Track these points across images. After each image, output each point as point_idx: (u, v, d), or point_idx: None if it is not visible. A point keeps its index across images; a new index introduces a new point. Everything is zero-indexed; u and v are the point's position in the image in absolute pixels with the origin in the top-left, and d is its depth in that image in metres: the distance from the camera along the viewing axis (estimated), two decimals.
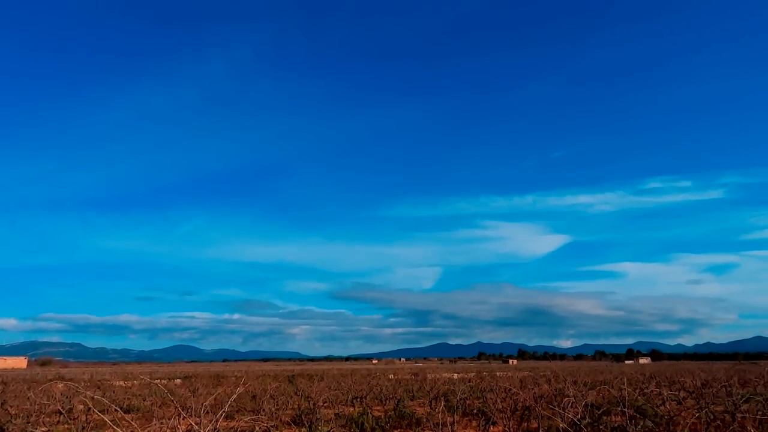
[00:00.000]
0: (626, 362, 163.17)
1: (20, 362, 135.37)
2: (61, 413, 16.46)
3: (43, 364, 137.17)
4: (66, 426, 16.17)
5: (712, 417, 12.74)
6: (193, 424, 7.85)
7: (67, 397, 22.45)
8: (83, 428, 13.81)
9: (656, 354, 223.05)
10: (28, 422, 12.08)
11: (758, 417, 9.60)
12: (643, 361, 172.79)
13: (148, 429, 14.52)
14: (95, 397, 7.91)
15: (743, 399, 13.91)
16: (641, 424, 8.05)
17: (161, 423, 14.20)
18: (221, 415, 5.39)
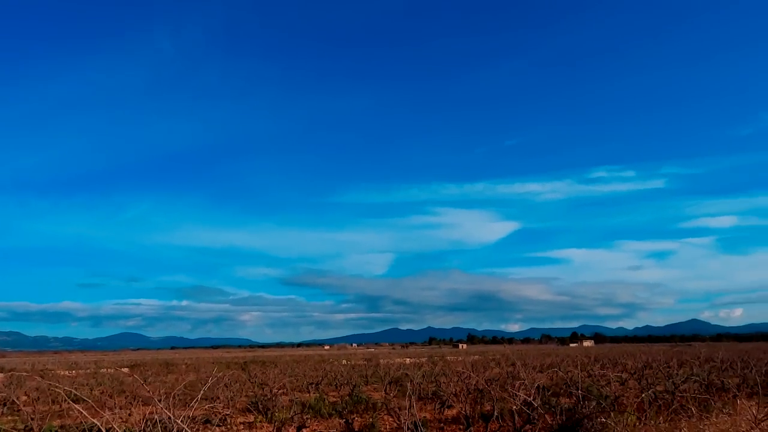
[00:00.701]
0: (571, 345, 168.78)
1: None
2: (5, 404, 15.87)
3: None
4: (11, 418, 15.62)
5: (653, 397, 13.43)
6: (146, 413, 7.72)
7: (9, 388, 21.66)
8: (31, 419, 13.39)
9: (599, 337, 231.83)
10: None
11: (697, 396, 10.24)
12: (586, 343, 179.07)
13: (100, 418, 14.20)
14: (50, 384, 7.69)
15: (682, 380, 14.71)
16: (590, 405, 8.44)
17: (113, 413, 13.92)
18: (176, 401, 5.35)
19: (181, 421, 5.32)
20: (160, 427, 5.43)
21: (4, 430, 12.97)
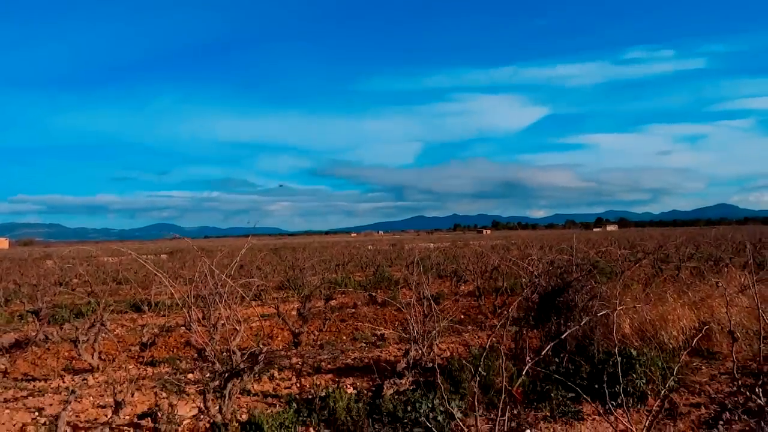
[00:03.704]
0: (594, 230, 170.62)
1: (2, 243, 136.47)
2: (60, 285, 17.45)
3: (26, 244, 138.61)
4: (67, 296, 17.21)
5: (659, 270, 14.21)
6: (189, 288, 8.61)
7: (62, 270, 23.53)
8: (88, 295, 14.87)
9: (623, 222, 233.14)
10: (36, 291, 13.00)
11: (691, 267, 10.87)
12: (610, 228, 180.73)
13: (147, 292, 15.59)
14: (108, 259, 8.67)
15: (689, 257, 15.40)
16: (595, 278, 9.16)
17: (159, 289, 15.27)
18: (229, 272, 6.17)
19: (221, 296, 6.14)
20: (206, 298, 6.28)
21: (64, 304, 14.44)
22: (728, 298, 8.77)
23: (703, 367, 7.58)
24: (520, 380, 6.40)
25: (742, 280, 8.45)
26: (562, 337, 4.65)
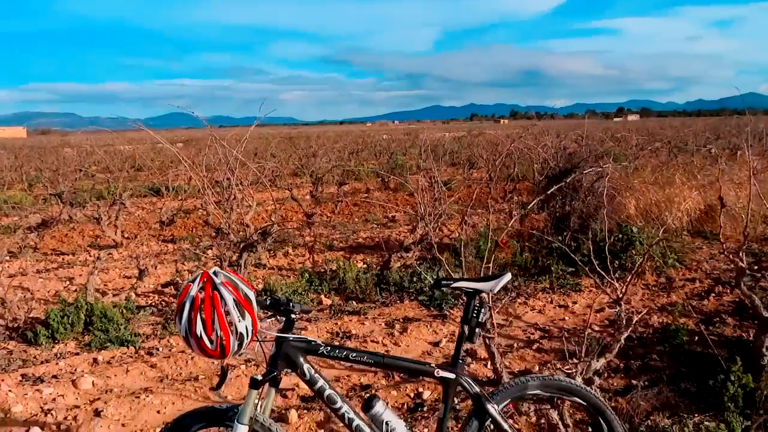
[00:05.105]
0: (615, 120, 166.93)
1: (20, 132, 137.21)
2: (80, 170, 17.85)
3: (43, 133, 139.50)
4: (87, 182, 17.66)
5: (674, 157, 14.12)
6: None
7: (80, 157, 23.95)
8: (108, 181, 15.25)
9: (646, 111, 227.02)
10: (57, 176, 13.38)
11: (705, 152, 10.85)
12: (631, 118, 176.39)
13: (165, 177, 15.94)
14: (124, 147, 8.83)
15: (706, 144, 15.22)
16: (604, 161, 9.19)
17: (176, 174, 15.60)
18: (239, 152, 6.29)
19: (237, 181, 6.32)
20: (222, 185, 6.46)
21: (84, 189, 14.87)
22: (738, 182, 8.83)
23: (704, 247, 7.79)
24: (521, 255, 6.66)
25: (755, 164, 8.42)
26: (565, 215, 4.80)
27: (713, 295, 5.81)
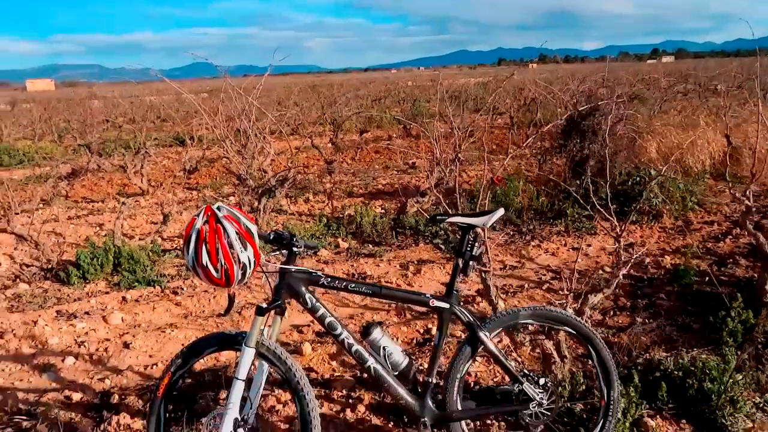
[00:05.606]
0: (648, 62, 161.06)
1: (48, 84, 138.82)
2: (107, 121, 18.15)
3: (70, 85, 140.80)
4: (114, 133, 17.97)
5: (705, 100, 13.73)
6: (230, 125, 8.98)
7: (107, 109, 24.27)
8: (134, 135, 15.51)
9: (682, 53, 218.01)
10: (85, 127, 13.67)
11: (736, 93, 10.51)
12: (666, 60, 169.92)
13: (188, 126, 16.12)
14: (150, 98, 8.96)
15: (739, 86, 14.71)
16: (629, 103, 9.00)
17: (199, 124, 15.77)
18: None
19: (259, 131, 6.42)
20: (244, 135, 6.55)
21: (110, 140, 15.16)
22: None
23: (726, 191, 7.69)
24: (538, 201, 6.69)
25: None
26: (584, 158, 4.78)
27: (730, 237, 5.80)
